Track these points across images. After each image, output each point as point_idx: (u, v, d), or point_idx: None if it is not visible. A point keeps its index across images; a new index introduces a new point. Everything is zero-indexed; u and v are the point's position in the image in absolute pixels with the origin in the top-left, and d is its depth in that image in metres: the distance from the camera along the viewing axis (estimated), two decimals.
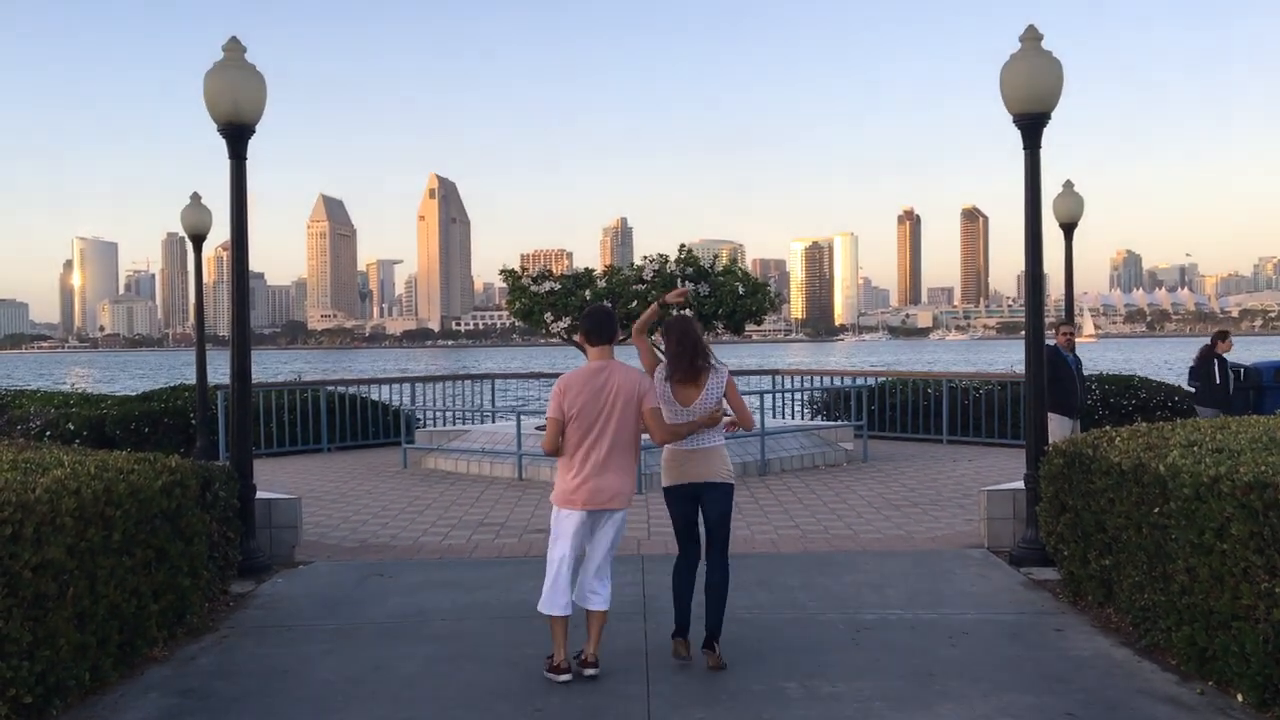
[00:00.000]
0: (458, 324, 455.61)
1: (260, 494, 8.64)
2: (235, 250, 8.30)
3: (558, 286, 14.08)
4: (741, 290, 13.67)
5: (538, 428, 14.49)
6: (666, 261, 13.93)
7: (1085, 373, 17.45)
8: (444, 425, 17.54)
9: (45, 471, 5.58)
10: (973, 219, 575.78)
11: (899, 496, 11.57)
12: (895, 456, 15.12)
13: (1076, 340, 12.62)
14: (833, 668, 5.71)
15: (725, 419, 5.87)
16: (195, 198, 14.88)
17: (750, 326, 15.09)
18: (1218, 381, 13.72)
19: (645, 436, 5.83)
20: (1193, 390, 16.50)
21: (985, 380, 17.36)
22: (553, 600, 5.64)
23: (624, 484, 5.70)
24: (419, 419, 18.07)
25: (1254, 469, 5.05)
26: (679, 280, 13.56)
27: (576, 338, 5.93)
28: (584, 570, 5.79)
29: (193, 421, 16.02)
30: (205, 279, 16.39)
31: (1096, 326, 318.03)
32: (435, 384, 19.98)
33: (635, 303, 13.54)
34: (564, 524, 5.67)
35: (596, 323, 5.76)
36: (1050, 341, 11.42)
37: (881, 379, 18.58)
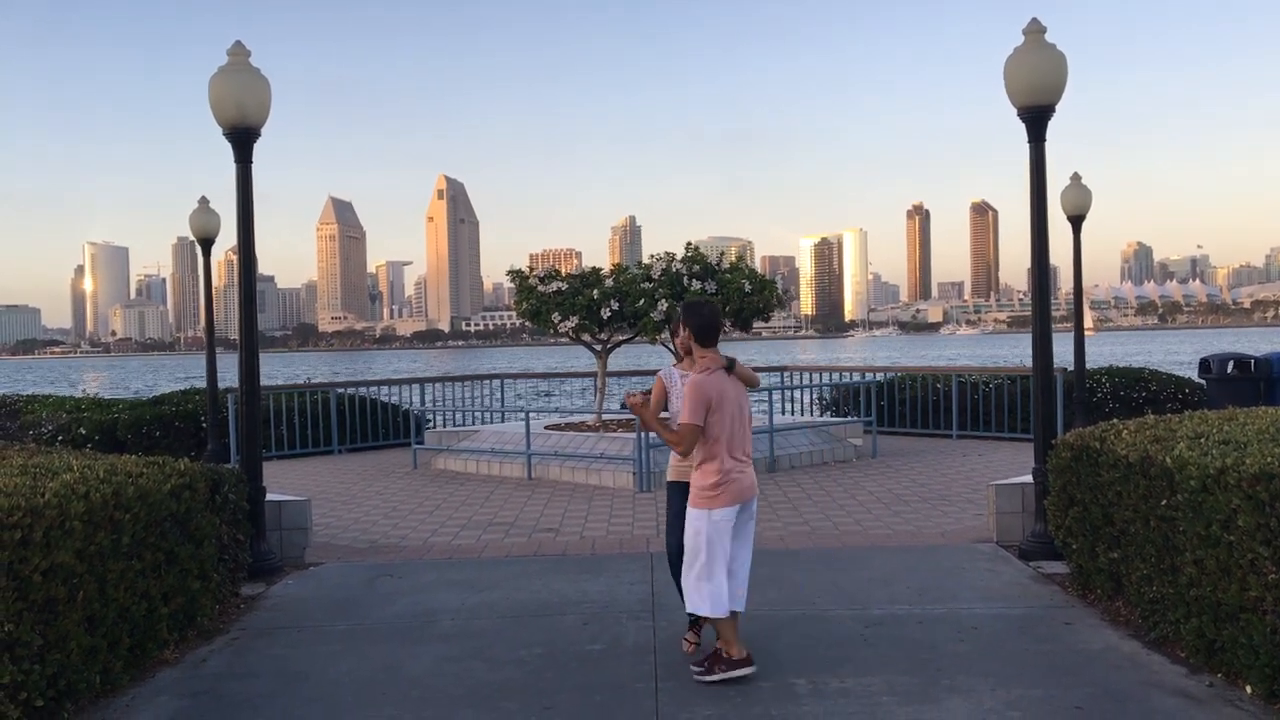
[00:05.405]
0: (467, 324, 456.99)
1: (270, 496, 8.66)
2: (242, 253, 8.33)
3: (564, 286, 14.10)
4: (748, 287, 13.67)
5: (547, 427, 14.51)
6: (673, 260, 13.95)
7: (1094, 366, 17.46)
8: (453, 425, 17.58)
9: (54, 476, 5.61)
10: (982, 213, 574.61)
11: (908, 492, 11.56)
12: (905, 452, 15.10)
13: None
14: (841, 664, 5.70)
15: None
16: (204, 201, 14.91)
17: (759, 323, 15.11)
18: None
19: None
20: (1202, 383, 16.48)
21: (995, 375, 17.33)
22: (720, 602, 5.55)
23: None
24: (429, 420, 18.13)
25: (1260, 460, 5.03)
26: (685, 279, 13.56)
27: (680, 340, 5.80)
28: (738, 570, 5.74)
29: (204, 425, 16.10)
30: (215, 282, 16.58)
31: (1098, 320, 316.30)
32: (444, 384, 20.02)
33: (642, 300, 13.55)
34: (722, 524, 5.59)
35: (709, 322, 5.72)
36: None
37: (891, 374, 18.57)
